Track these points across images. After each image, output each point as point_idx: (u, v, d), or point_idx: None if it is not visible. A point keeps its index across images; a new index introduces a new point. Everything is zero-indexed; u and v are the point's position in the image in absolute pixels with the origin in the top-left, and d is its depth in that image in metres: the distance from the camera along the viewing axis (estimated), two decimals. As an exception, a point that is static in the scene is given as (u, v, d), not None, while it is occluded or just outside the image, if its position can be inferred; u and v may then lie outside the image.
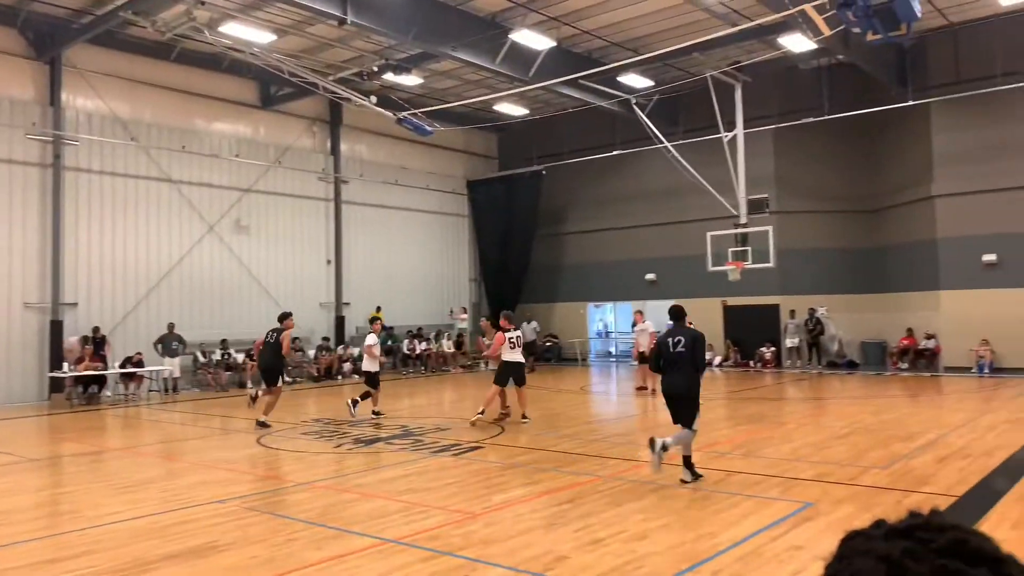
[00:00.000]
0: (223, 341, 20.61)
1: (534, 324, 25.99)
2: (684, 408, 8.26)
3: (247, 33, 17.77)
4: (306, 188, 23.94)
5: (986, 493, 7.40)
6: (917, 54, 20.95)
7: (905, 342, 21.10)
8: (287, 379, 13.69)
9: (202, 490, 8.11)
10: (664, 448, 8.07)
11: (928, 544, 0.87)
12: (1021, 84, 18.57)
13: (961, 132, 20.23)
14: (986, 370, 19.25)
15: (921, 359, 20.76)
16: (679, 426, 8.27)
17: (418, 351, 24.31)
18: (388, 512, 6.98)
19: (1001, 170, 19.52)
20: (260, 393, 13.35)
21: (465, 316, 26.74)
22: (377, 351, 13.68)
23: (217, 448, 11.38)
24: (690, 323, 9.35)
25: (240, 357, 20.60)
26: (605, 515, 6.72)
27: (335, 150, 24.92)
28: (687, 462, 8.11)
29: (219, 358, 20.34)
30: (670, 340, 8.37)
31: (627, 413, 14.95)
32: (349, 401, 13.58)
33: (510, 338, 12.52)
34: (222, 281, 21.68)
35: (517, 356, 12.62)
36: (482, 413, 12.31)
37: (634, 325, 17.81)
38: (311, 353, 22.52)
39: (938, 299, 20.44)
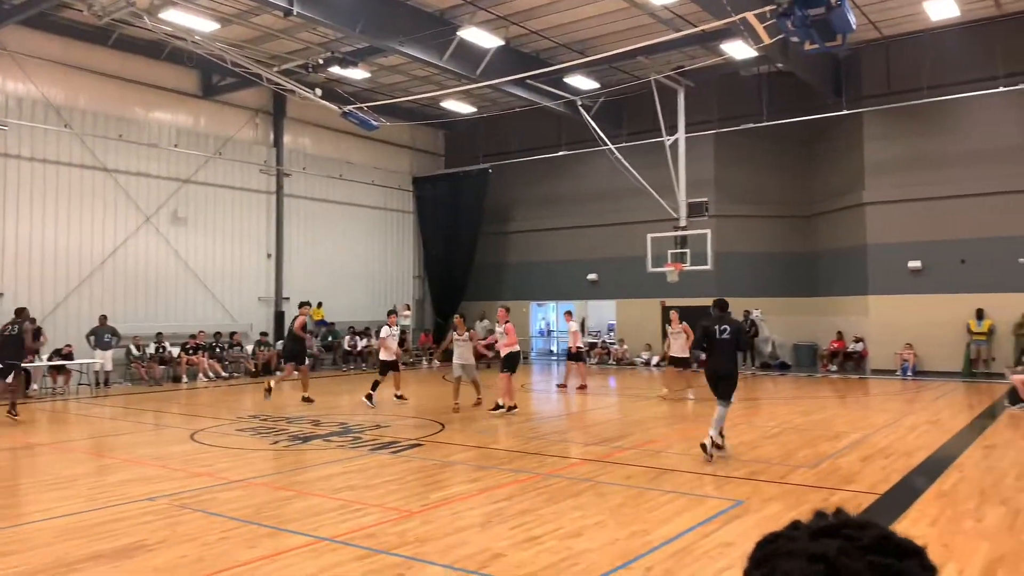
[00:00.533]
0: (158, 334, 20.13)
1: (486, 322, 26.14)
2: (727, 385, 9.50)
3: (189, 21, 17.34)
4: (247, 180, 23.52)
5: (906, 491, 7.70)
6: (851, 65, 21.67)
7: (835, 345, 21.80)
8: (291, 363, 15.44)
9: (131, 487, 7.93)
10: (715, 443, 9.35)
11: (856, 542, 0.91)
12: (946, 97, 19.40)
13: (891, 142, 21.00)
14: (909, 373, 20.04)
15: (849, 361, 21.49)
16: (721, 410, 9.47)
17: (359, 348, 24.10)
18: (324, 510, 6.93)
19: (927, 180, 20.35)
20: (274, 384, 14.91)
21: (408, 313, 26.61)
22: (393, 343, 14.65)
23: (148, 444, 11.12)
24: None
25: (175, 351, 20.15)
26: (542, 512, 6.79)
27: (278, 142, 24.53)
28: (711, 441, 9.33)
29: (153, 351, 19.85)
30: (716, 328, 9.61)
31: (567, 411, 15.09)
32: (364, 397, 14.38)
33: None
34: (158, 273, 21.17)
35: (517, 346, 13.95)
36: (514, 407, 13.38)
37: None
38: (249, 348, 22.13)
39: (867, 303, 21.17)
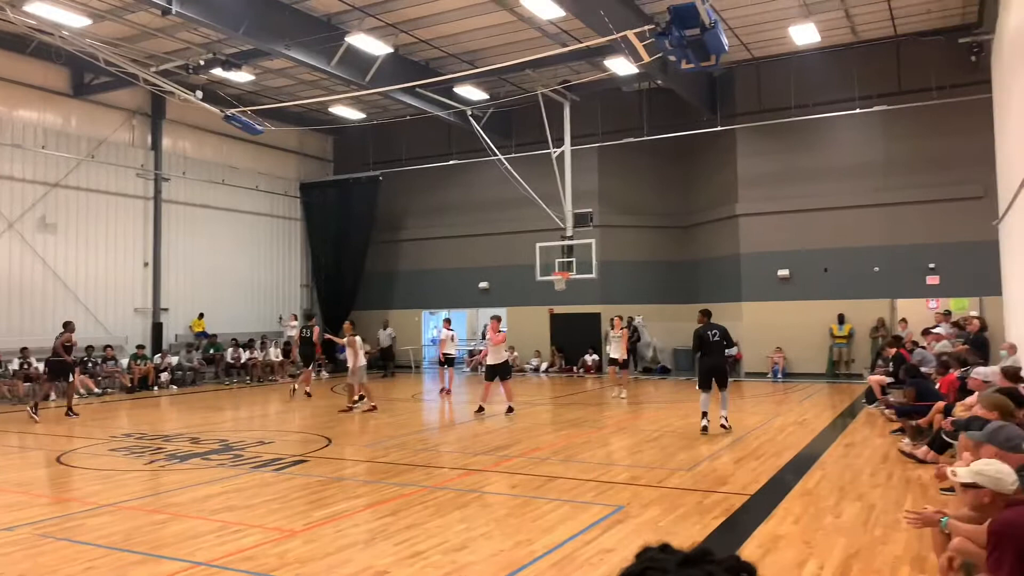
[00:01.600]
0: (23, 349, 18.85)
1: (390, 331, 25.93)
2: (723, 377, 12.13)
3: (57, 15, 16.32)
4: (123, 185, 22.42)
5: (775, 491, 8.12)
6: (726, 84, 22.80)
7: (712, 349, 22.80)
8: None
9: (-11, 517, 7.43)
10: (726, 419, 11.93)
11: (720, 564, 1.04)
12: (811, 116, 20.75)
13: (761, 157, 22.24)
14: (779, 375, 21.25)
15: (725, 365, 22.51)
16: (714, 394, 12.05)
17: (243, 360, 23.33)
18: (201, 533, 6.71)
19: (794, 193, 21.69)
20: (297, 386, 17.82)
21: (295, 323, 26.00)
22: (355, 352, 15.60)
23: (9, 468, 10.41)
24: None
25: (42, 366, 18.91)
26: (427, 526, 6.81)
27: (156, 145, 23.49)
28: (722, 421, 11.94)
29: (17, 368, 18.58)
30: (708, 332, 12.13)
31: (457, 420, 15.14)
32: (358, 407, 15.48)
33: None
34: (23, 284, 19.86)
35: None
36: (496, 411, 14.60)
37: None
38: (124, 362, 21.05)
39: (740, 309, 22.29)
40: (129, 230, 22.55)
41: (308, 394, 17.75)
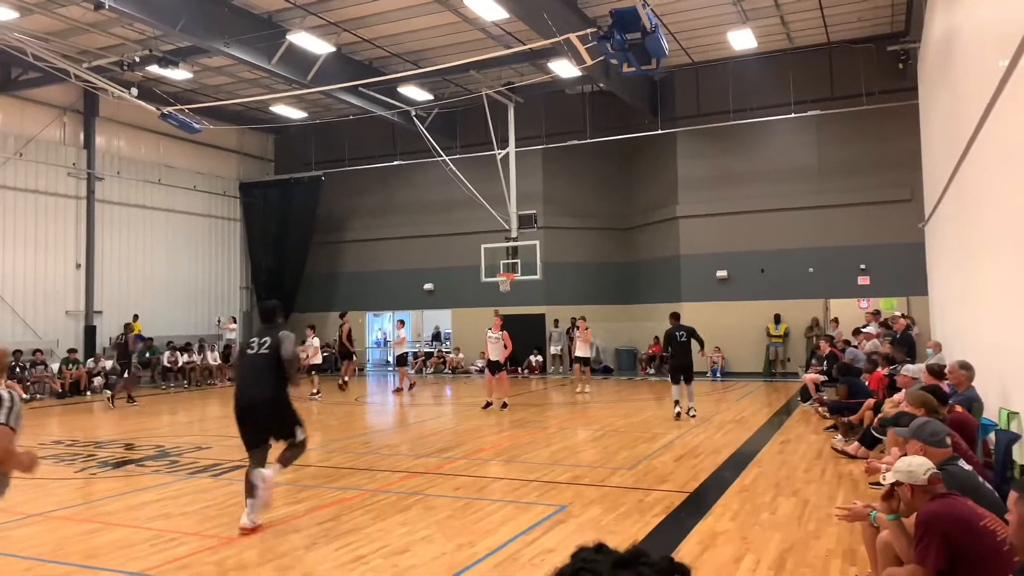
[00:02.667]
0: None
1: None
2: (689, 373, 13.43)
3: (-20, 7, 15.80)
4: (53, 184, 21.71)
5: (713, 488, 8.28)
6: (666, 87, 23.19)
7: (652, 349, 23.15)
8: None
9: (-92, 531, 7.11)
10: (692, 409, 13.50)
11: (654, 566, 1.07)
12: (748, 121, 21.23)
13: (700, 160, 22.68)
14: (718, 374, 21.69)
15: (666, 365, 22.81)
16: (683, 387, 13.42)
17: (180, 364, 22.78)
18: (134, 542, 6.53)
19: (732, 195, 22.17)
20: (346, 379, 19.55)
21: (234, 326, 25.52)
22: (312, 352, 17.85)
23: (-69, 479, 9.97)
24: None
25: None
26: (368, 530, 6.76)
27: (89, 144, 22.80)
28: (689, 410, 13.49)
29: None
30: (676, 333, 13.37)
31: (401, 423, 15.07)
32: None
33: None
34: (-57, 286, 19.07)
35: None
36: (503, 406, 15.39)
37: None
38: (54, 367, 20.36)
39: (680, 310, 22.60)
40: (60, 230, 21.85)
41: (343, 385, 19.30)
